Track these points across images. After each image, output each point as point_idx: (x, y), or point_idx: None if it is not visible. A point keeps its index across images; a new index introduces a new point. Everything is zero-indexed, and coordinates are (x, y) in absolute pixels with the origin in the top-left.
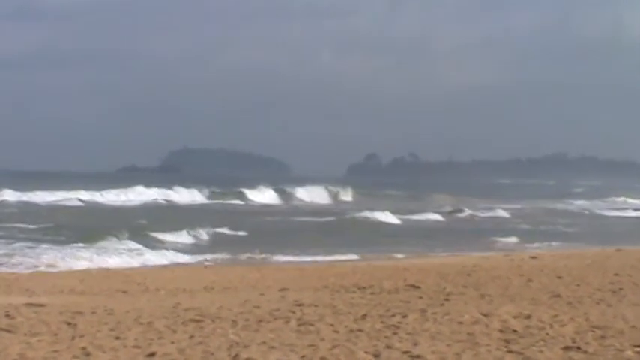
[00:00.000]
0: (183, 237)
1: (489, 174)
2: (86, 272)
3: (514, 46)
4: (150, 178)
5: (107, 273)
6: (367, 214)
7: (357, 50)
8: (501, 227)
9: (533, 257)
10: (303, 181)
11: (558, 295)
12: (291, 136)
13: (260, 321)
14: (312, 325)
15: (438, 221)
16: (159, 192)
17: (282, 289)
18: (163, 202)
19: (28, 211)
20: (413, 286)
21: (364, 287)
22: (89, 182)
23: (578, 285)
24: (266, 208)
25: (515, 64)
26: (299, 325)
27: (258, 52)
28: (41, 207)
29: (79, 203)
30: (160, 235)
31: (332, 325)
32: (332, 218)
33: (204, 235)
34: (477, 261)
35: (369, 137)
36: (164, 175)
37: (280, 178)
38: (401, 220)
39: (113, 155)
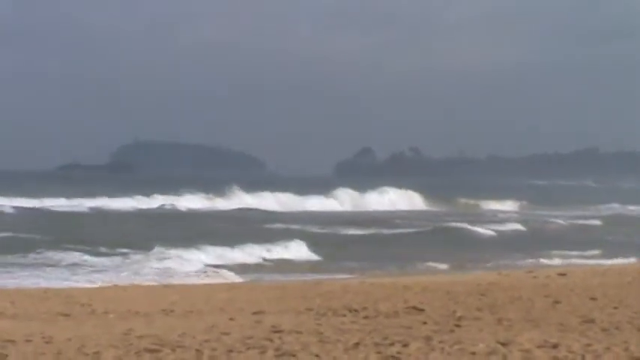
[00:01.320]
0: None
1: (512, 172)
2: (19, 292)
3: (538, 21)
4: (95, 180)
5: (45, 293)
6: (457, 224)
7: (348, 24)
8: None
9: (562, 274)
10: (303, 182)
11: (592, 321)
12: (268, 126)
13: (230, 351)
14: (293, 356)
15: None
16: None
17: (257, 312)
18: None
19: None
20: (416, 308)
21: (356, 310)
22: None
23: (615, 308)
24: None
25: (540, 41)
26: (277, 356)
27: (229, 26)
28: None
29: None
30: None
31: (317, 356)
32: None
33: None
34: (494, 279)
35: (361, 128)
36: (115, 174)
37: (258, 177)
38: (488, 229)
39: (50, 150)
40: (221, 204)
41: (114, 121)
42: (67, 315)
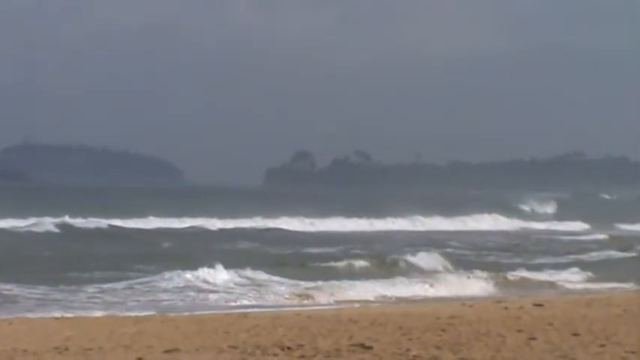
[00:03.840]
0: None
1: (478, 181)
2: None
3: (511, 6)
4: None
5: None
6: None
7: (286, 4)
8: None
9: (538, 305)
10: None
11: None
12: (186, 128)
13: None
14: None
15: None
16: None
17: (169, 351)
18: None
19: None
20: (362, 346)
21: (290, 348)
22: None
23: (602, 345)
24: None
25: (510, 28)
26: None
27: (148, 13)
28: None
29: None
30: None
31: None
32: None
33: None
34: (457, 310)
35: (297, 129)
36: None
37: (175, 188)
38: None
39: None
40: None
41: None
42: None
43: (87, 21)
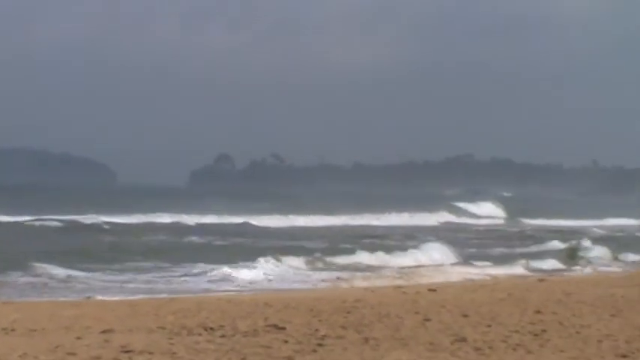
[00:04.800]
0: None
1: (378, 180)
2: None
3: (412, 19)
4: None
5: None
6: None
7: (208, 22)
8: None
9: (432, 290)
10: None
11: (463, 339)
12: (118, 130)
13: None
14: None
15: None
16: None
17: (105, 331)
18: None
19: None
20: (276, 326)
21: (213, 328)
22: None
23: (489, 326)
24: None
25: (410, 40)
26: None
27: (84, 24)
28: None
29: None
30: None
31: None
32: None
33: None
34: (360, 295)
35: (220, 134)
36: None
37: (108, 187)
38: None
39: None
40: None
41: None
42: None
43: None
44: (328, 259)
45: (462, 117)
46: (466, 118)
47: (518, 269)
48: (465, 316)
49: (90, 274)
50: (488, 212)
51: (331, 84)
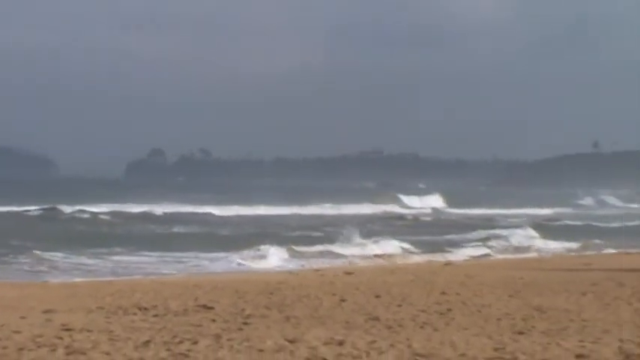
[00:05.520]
0: None
1: (299, 172)
2: None
3: (329, 27)
4: None
5: None
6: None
7: (145, 26)
8: None
9: (348, 273)
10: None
11: (376, 318)
12: (57, 124)
13: (21, 349)
14: (83, 354)
15: None
16: None
17: (47, 311)
18: None
19: None
20: (205, 307)
21: (146, 308)
22: None
23: (399, 305)
24: None
25: (326, 46)
26: (68, 354)
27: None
28: None
29: None
30: None
31: (108, 353)
32: None
33: None
34: (282, 278)
35: (153, 130)
36: None
37: (45, 178)
38: None
39: None
40: None
41: None
42: None
43: None
44: (305, 248)
45: (373, 116)
46: (376, 117)
47: (452, 256)
48: (378, 297)
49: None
50: (415, 203)
51: (255, 86)
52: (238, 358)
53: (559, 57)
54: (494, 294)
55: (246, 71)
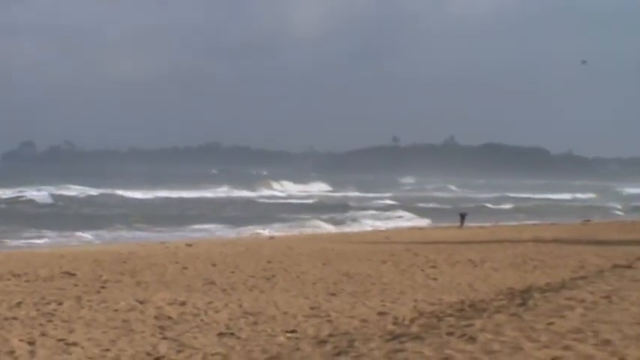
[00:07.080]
0: None
1: (155, 162)
2: None
3: (183, 37)
4: None
5: None
6: None
7: (19, 38)
8: None
9: (189, 245)
10: None
11: (213, 283)
12: None
13: None
14: None
15: None
16: None
17: None
18: None
19: None
20: (69, 273)
21: (19, 275)
22: None
23: (232, 272)
24: None
25: (172, 55)
26: None
27: None
28: None
29: None
30: None
31: None
32: None
33: None
34: (134, 249)
35: (23, 124)
36: None
37: None
38: None
39: None
40: None
41: None
42: None
43: None
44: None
45: (211, 113)
46: (214, 113)
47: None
48: (214, 265)
49: None
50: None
51: (117, 88)
52: (96, 317)
53: (367, 69)
54: (311, 262)
55: (112, 78)
